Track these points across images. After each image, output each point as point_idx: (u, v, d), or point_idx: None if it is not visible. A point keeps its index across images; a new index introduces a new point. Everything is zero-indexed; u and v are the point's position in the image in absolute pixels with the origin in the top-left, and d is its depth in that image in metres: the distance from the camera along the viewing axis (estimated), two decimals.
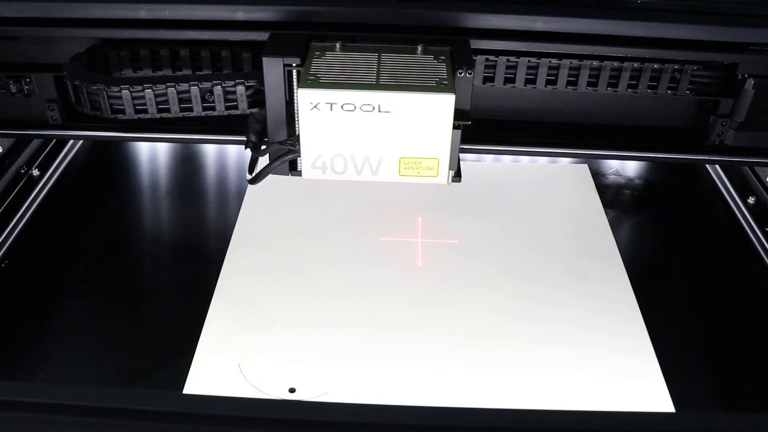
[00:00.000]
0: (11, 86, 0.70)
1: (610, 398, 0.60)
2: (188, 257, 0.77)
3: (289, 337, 0.64)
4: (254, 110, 0.67)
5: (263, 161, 0.65)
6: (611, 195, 0.85)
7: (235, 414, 0.43)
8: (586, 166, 0.89)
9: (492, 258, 0.74)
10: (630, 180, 0.87)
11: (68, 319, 0.68)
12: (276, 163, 0.66)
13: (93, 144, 0.92)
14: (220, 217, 0.81)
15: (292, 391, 0.59)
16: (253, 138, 0.67)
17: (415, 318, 0.66)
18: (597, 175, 0.87)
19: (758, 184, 0.83)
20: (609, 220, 0.80)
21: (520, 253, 0.75)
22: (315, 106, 0.59)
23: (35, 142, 0.87)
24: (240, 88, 0.66)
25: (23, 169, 0.83)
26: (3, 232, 0.76)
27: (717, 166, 0.88)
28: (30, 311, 0.68)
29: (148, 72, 0.71)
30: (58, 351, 0.64)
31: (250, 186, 0.83)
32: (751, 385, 0.63)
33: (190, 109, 0.66)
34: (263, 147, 0.67)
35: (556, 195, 0.83)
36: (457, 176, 0.64)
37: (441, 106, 0.57)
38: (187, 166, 0.88)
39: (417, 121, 0.59)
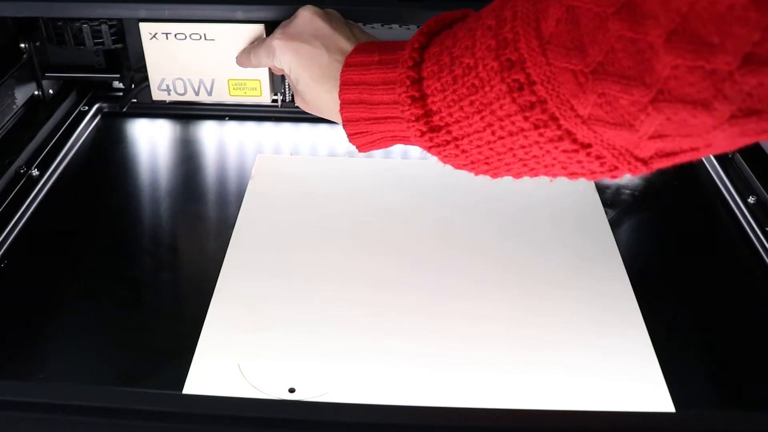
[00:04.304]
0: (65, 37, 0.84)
1: (610, 398, 0.59)
2: (188, 257, 0.77)
3: (289, 337, 0.64)
4: (119, 46, 0.84)
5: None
6: (611, 195, 0.85)
7: (235, 414, 0.43)
8: None
9: (491, 258, 0.74)
10: (630, 180, 0.87)
11: (68, 319, 0.68)
12: (135, 89, 0.86)
13: (93, 143, 0.92)
14: (219, 217, 0.81)
15: (291, 391, 0.59)
16: (125, 73, 0.87)
17: (415, 319, 0.66)
18: None
19: (758, 183, 0.83)
20: (609, 220, 0.80)
21: (519, 252, 0.75)
22: (153, 36, 0.74)
23: (35, 142, 0.87)
24: (104, 27, 0.81)
25: (23, 169, 0.84)
26: (3, 232, 0.76)
27: (717, 165, 0.88)
28: (30, 311, 0.68)
29: None
30: (58, 351, 0.64)
31: (250, 186, 0.83)
32: (751, 385, 0.63)
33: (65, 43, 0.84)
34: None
35: (555, 195, 0.83)
36: (281, 99, 0.85)
37: (253, 35, 0.73)
38: (187, 166, 0.88)
39: (237, 48, 0.73)
